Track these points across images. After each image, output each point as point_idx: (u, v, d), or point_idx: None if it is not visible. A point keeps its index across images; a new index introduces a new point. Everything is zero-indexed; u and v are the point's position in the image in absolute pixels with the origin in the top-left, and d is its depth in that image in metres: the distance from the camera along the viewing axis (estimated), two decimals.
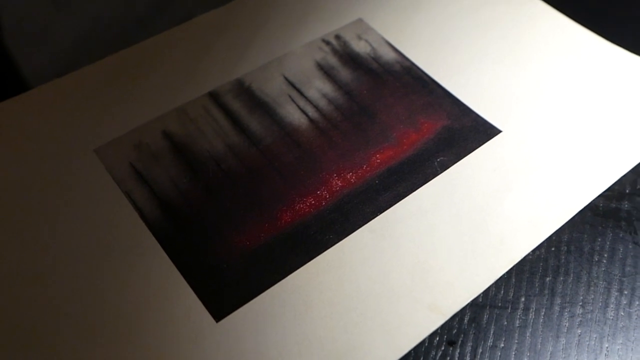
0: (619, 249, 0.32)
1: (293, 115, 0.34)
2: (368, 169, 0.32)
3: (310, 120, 0.34)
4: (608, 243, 0.32)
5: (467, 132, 0.34)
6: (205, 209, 0.31)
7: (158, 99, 0.35)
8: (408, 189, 0.32)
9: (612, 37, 0.40)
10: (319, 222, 0.30)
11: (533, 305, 0.30)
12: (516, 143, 0.34)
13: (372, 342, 0.27)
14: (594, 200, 0.33)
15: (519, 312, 0.30)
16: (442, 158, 0.33)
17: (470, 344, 0.29)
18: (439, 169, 0.32)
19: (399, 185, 0.32)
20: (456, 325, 0.29)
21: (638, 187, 0.34)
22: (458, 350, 0.29)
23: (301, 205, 0.31)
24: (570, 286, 0.31)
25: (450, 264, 0.29)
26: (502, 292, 0.30)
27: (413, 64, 0.37)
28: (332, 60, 0.37)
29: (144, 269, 0.29)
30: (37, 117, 0.34)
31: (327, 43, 0.38)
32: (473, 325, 0.29)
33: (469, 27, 0.39)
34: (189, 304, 0.28)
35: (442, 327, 0.29)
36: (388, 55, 0.37)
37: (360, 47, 0.38)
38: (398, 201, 0.31)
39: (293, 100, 0.35)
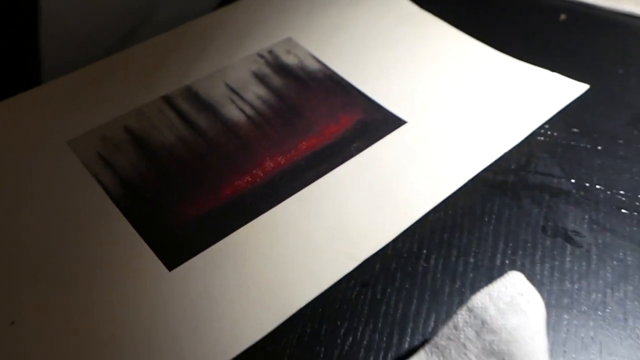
0: (505, 212, 0.39)
1: (233, 113, 0.41)
2: (296, 153, 0.39)
3: (248, 117, 0.41)
4: (496, 207, 0.39)
5: (378, 123, 0.41)
6: (160, 187, 0.37)
7: (120, 103, 0.41)
8: (329, 167, 0.38)
9: (498, 46, 0.48)
10: (254, 195, 0.37)
11: (433, 255, 0.36)
12: (418, 130, 0.41)
13: (298, 283, 0.33)
14: (484, 174, 0.40)
15: (422, 260, 0.36)
16: (357, 144, 0.40)
17: (380, 285, 0.35)
18: (354, 152, 0.39)
19: (321, 165, 0.39)
20: (369, 272, 0.35)
21: (522, 164, 0.41)
22: (370, 291, 0.35)
23: (239, 182, 0.37)
24: (465, 240, 0.37)
25: (363, 223, 0.36)
26: (407, 245, 0.37)
27: (334, 72, 0.44)
28: (266, 70, 0.44)
29: (110, 234, 0.35)
30: (17, 120, 0.41)
31: (262, 57, 0.45)
32: (383, 271, 0.35)
33: (382, 43, 0.47)
34: (147, 258, 0.34)
35: (357, 272, 0.35)
36: (313, 66, 0.45)
37: (290, 59, 0.45)
38: (320, 177, 0.38)
39: (233, 102, 0.42)
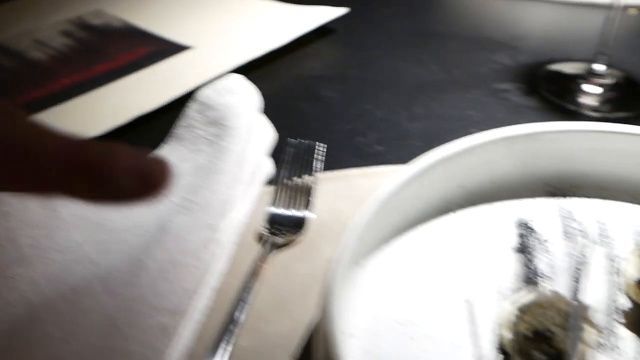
0: (277, 94, 0.47)
1: (39, 55, 0.49)
2: (91, 73, 0.46)
3: (51, 56, 0.49)
4: (272, 90, 0.45)
5: (169, 51, 0.49)
6: None
7: None
8: (123, 75, 0.46)
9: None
10: (53, 97, 0.44)
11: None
12: (199, 53, 0.49)
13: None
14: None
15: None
16: (148, 62, 0.48)
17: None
18: (147, 67, 0.47)
19: (115, 75, 0.46)
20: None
21: (294, 67, 0.50)
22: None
23: (35, 94, 0.44)
24: None
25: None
26: None
27: (137, 27, 0.53)
28: (73, 29, 0.52)
29: None
30: None
31: (70, 21, 0.54)
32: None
33: (179, 5, 0.58)
34: None
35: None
36: (118, 24, 0.53)
37: (97, 22, 0.54)
38: (116, 80, 0.46)
39: (38, 49, 0.50)
